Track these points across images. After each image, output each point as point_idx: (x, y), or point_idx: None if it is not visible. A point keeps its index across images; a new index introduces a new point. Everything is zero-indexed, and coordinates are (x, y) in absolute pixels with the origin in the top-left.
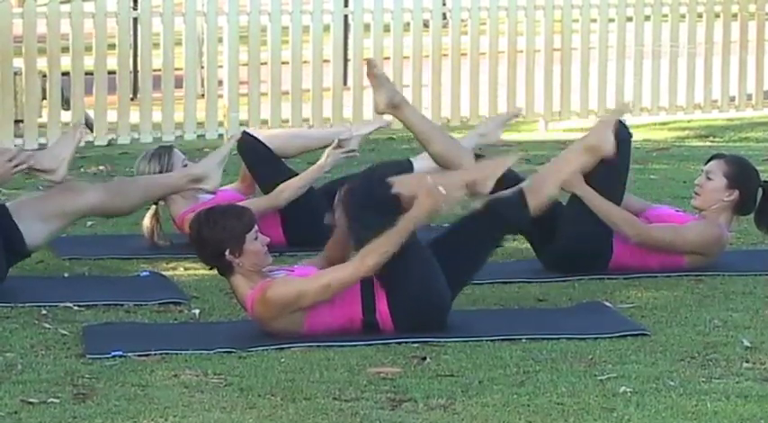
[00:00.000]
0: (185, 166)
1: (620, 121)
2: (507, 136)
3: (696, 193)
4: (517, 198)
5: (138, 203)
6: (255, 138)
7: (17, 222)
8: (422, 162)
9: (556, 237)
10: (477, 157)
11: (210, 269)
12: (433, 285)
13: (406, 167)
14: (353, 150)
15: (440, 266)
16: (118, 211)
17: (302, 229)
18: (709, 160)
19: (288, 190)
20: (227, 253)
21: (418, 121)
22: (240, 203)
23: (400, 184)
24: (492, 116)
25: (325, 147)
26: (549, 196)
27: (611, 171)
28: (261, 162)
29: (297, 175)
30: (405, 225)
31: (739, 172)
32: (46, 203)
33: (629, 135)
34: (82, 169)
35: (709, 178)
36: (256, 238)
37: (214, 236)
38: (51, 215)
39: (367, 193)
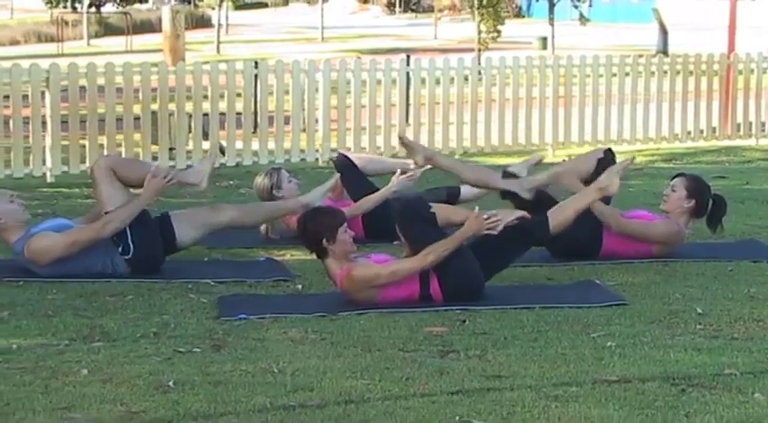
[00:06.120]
0: (290, 182)
1: (610, 150)
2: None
3: (664, 201)
4: (544, 221)
5: (262, 222)
6: (348, 157)
7: (174, 227)
8: (467, 188)
9: (559, 234)
10: (507, 174)
11: (311, 254)
12: (470, 270)
13: (455, 192)
14: (413, 175)
15: (479, 261)
16: (246, 226)
17: (377, 227)
18: (674, 177)
19: (366, 204)
20: (323, 241)
21: (449, 162)
22: None
23: (438, 208)
24: (522, 161)
25: (394, 172)
26: (567, 221)
27: None
28: (351, 176)
29: (377, 188)
30: (457, 236)
31: (696, 186)
32: (197, 216)
33: (614, 161)
34: (217, 183)
35: (673, 190)
36: (345, 232)
37: (316, 228)
38: (199, 225)
39: (412, 212)
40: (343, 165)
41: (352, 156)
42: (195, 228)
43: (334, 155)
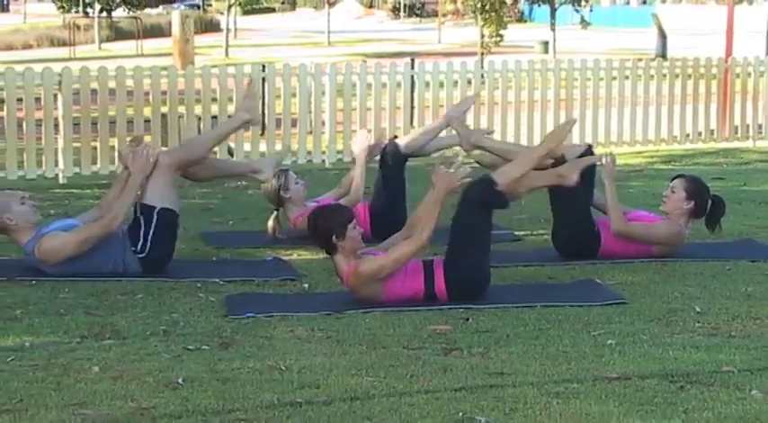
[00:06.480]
0: (297, 183)
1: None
2: None
3: (663, 202)
4: (486, 179)
5: (210, 175)
6: (398, 146)
7: (168, 207)
8: (404, 139)
9: (558, 233)
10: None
11: (320, 250)
12: (479, 268)
13: (395, 144)
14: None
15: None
16: (193, 175)
17: (384, 226)
18: (673, 178)
19: (355, 190)
20: (333, 237)
21: (500, 145)
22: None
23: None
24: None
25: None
26: (513, 179)
27: (586, 186)
28: (393, 167)
29: (402, 186)
30: (432, 200)
31: (695, 188)
32: (157, 182)
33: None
34: (225, 184)
35: (673, 191)
36: (354, 228)
37: (326, 224)
38: (168, 185)
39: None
40: (392, 155)
41: (401, 142)
42: (170, 189)
43: (384, 141)
